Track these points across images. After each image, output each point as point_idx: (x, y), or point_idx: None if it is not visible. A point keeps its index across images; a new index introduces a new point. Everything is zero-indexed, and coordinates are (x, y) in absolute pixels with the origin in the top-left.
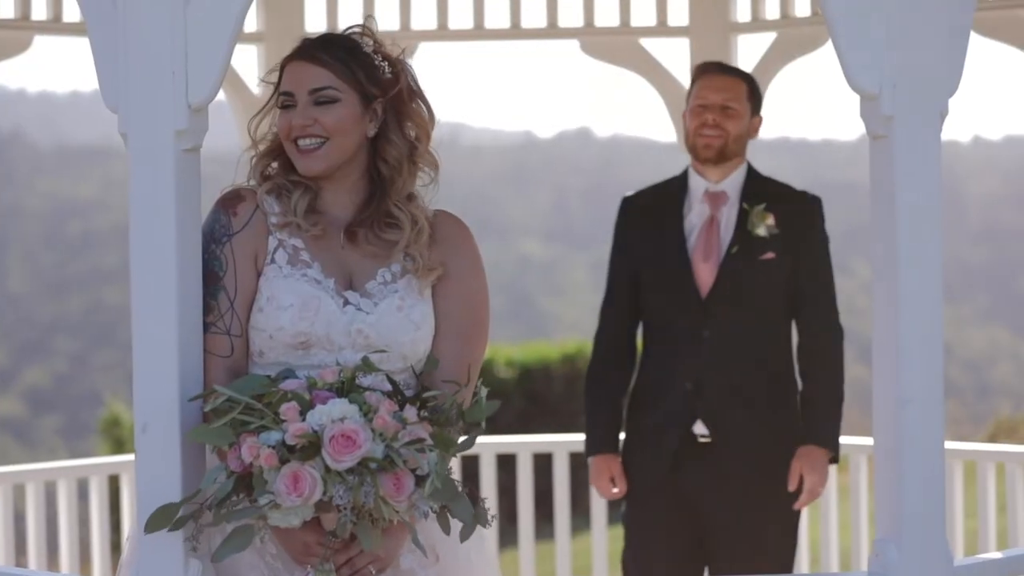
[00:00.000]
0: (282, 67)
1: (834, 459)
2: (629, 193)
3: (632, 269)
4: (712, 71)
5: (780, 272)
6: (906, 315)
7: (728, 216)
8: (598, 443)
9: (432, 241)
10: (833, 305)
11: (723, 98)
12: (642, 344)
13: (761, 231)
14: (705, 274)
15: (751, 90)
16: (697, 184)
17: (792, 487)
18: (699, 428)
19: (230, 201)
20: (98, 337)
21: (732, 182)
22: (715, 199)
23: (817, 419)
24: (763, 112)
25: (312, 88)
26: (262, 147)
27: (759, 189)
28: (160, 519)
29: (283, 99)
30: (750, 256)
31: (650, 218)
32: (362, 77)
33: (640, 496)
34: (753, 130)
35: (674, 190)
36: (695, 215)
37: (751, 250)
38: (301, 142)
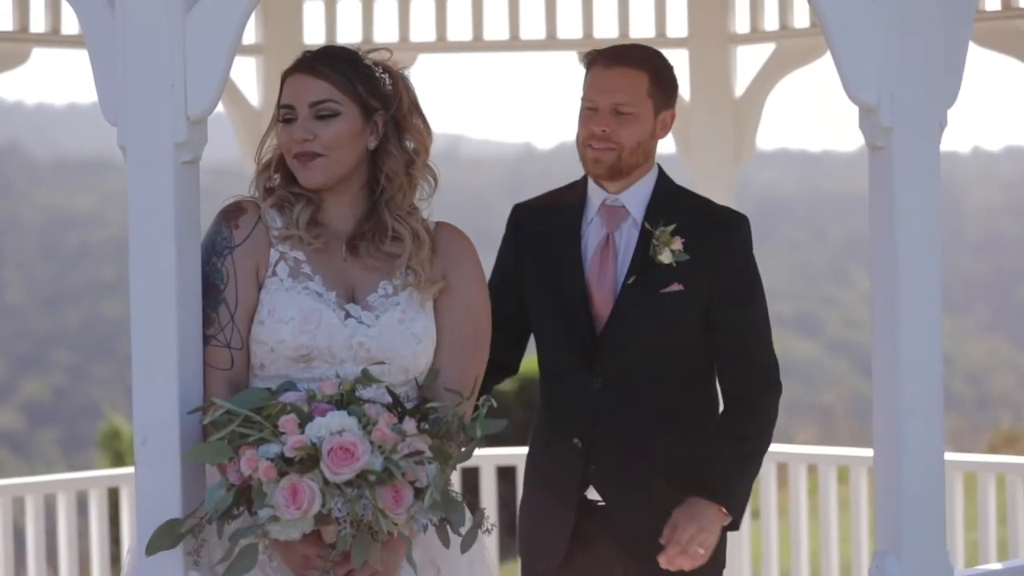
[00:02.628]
0: (283, 80)
1: (732, 525)
2: (521, 200)
3: (519, 292)
4: (600, 63)
5: (689, 308)
6: (906, 326)
7: (627, 237)
8: None
9: (433, 253)
10: (767, 350)
11: (614, 101)
12: (539, 388)
13: (664, 257)
14: (602, 306)
15: (656, 80)
16: (595, 194)
17: (664, 539)
18: (592, 495)
19: (232, 213)
20: (96, 350)
21: (634, 195)
22: (611, 214)
23: (723, 471)
24: (764, 120)
25: (312, 101)
26: (263, 160)
27: (668, 204)
28: (161, 540)
29: (284, 112)
30: (650, 288)
31: (545, 231)
32: (363, 90)
33: None
34: (663, 128)
35: (573, 199)
36: (593, 231)
37: (651, 281)
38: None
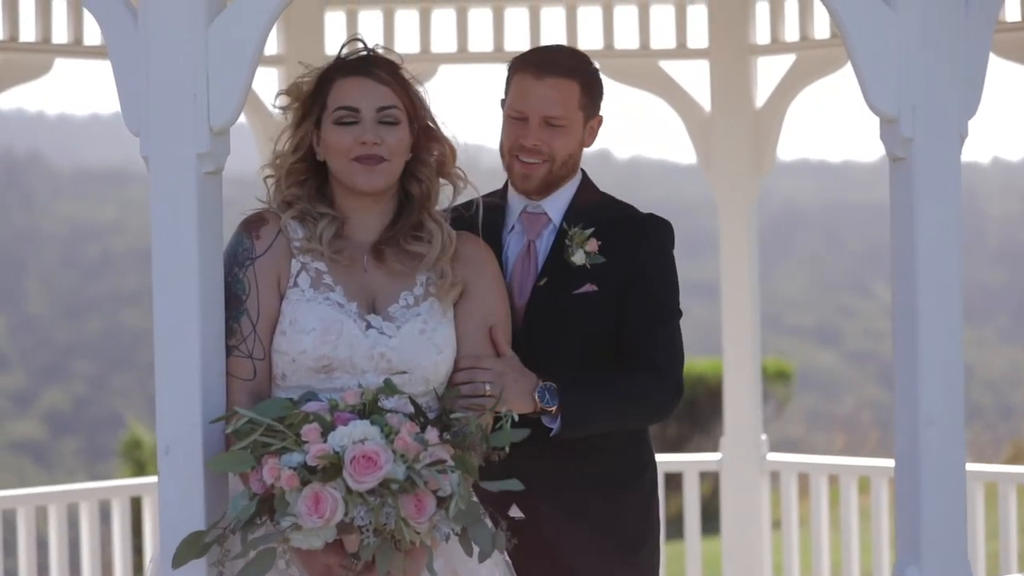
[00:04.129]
0: (329, 81)
1: (546, 425)
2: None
3: None
4: (529, 72)
5: (603, 309)
6: (926, 336)
7: (547, 243)
8: None
9: (455, 261)
10: (665, 350)
11: (545, 113)
12: None
13: (577, 259)
14: (520, 314)
15: (585, 90)
16: (516, 201)
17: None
18: (515, 512)
19: (253, 224)
20: (117, 360)
21: (555, 201)
22: (533, 222)
23: (577, 379)
24: (785, 130)
25: (380, 106)
26: (281, 171)
27: (590, 209)
28: (187, 551)
29: (343, 114)
30: (562, 289)
31: None
32: (415, 98)
33: None
34: (590, 135)
35: (494, 208)
36: (515, 239)
37: (563, 282)
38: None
